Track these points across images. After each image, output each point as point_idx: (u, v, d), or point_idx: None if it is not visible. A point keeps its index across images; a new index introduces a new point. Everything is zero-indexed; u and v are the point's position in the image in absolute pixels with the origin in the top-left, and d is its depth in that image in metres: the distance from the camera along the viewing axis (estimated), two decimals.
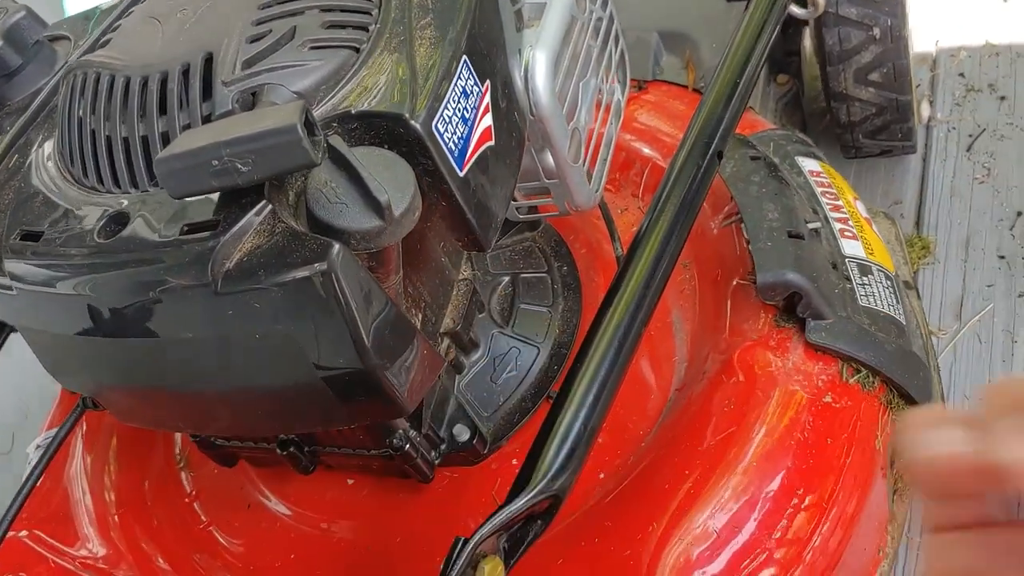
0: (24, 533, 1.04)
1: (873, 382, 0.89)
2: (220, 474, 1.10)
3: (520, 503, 0.68)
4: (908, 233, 1.34)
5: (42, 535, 1.04)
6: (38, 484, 1.09)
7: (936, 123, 1.47)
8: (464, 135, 0.76)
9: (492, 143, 0.80)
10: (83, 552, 1.03)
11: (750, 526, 0.82)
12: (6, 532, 0.93)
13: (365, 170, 0.67)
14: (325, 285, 0.66)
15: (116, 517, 1.06)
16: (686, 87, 1.26)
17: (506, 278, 1.07)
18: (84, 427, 1.15)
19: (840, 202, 1.04)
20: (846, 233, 1.00)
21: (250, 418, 0.78)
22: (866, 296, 0.93)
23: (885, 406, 0.90)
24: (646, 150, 1.21)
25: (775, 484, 0.84)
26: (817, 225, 0.96)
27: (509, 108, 0.85)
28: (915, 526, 1.09)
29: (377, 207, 0.67)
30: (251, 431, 0.84)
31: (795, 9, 1.03)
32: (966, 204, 1.37)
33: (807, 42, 1.37)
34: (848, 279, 0.94)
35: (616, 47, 1.08)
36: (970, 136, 1.44)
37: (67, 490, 1.09)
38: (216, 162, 0.64)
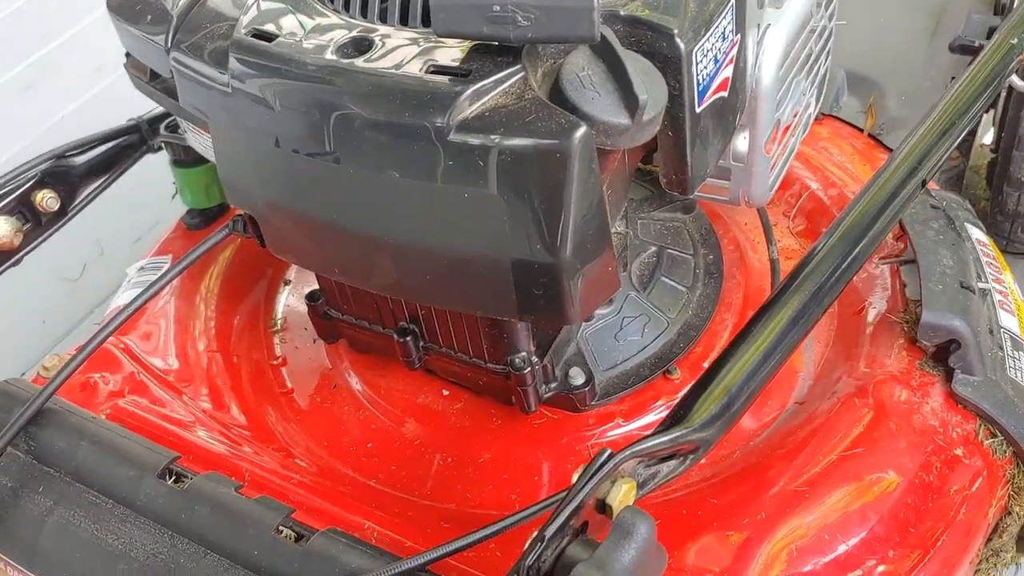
0: (117, 344, 1.03)
1: (1005, 451, 0.87)
2: (312, 349, 1.09)
3: (672, 435, 0.67)
4: None
5: (128, 342, 1.03)
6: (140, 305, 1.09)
7: None
8: (711, 73, 0.76)
9: (726, 95, 0.80)
10: (159, 364, 1.02)
11: (858, 544, 0.80)
12: (104, 339, 0.92)
13: (631, 66, 0.67)
14: (561, 161, 0.65)
15: (201, 347, 1.05)
16: (861, 130, 1.25)
17: (653, 247, 1.06)
18: None
19: (1002, 276, 1.02)
20: (1004, 306, 0.98)
21: (416, 278, 0.77)
22: (1015, 369, 0.92)
23: (1007, 480, 0.88)
24: (807, 178, 1.21)
25: (890, 516, 0.82)
26: (986, 287, 0.95)
27: (743, 72, 0.84)
28: None
29: (632, 105, 0.66)
30: (408, 293, 0.83)
31: (1017, 80, 1.03)
32: None
33: (979, 131, 1.37)
34: (1001, 348, 0.93)
35: (825, 63, 1.07)
36: None
37: (165, 316, 1.08)
38: (498, 8, 0.64)
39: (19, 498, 0.80)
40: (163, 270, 1.09)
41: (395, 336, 0.94)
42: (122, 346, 1.02)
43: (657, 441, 0.65)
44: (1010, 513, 0.91)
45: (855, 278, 1.06)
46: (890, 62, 1.29)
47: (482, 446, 0.96)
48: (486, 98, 0.67)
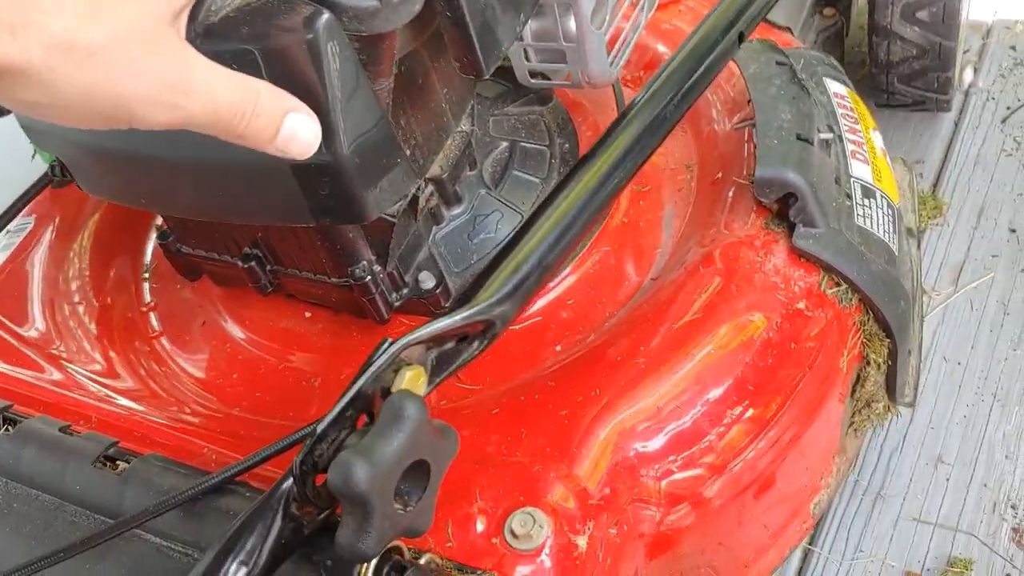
0: None
1: (851, 299, 0.86)
2: (181, 290, 1.08)
3: (455, 318, 0.65)
4: (923, 192, 1.31)
5: None
6: (0, 266, 1.08)
7: (976, 91, 1.43)
8: None
9: None
10: (31, 334, 1.02)
11: (697, 413, 0.80)
12: None
13: None
14: (309, 53, 0.63)
15: (67, 307, 1.04)
16: None
17: (504, 143, 1.04)
18: (57, 219, 1.13)
19: (859, 127, 1.00)
20: (857, 155, 0.96)
21: (209, 197, 0.76)
22: (863, 217, 0.90)
23: (858, 327, 0.88)
24: (667, 54, 1.18)
25: (730, 378, 0.81)
26: (829, 137, 0.93)
27: None
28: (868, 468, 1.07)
29: None
30: (208, 213, 0.82)
31: None
32: (988, 174, 1.33)
33: None
34: (849, 196, 0.91)
35: None
36: (1008, 108, 1.39)
37: (27, 274, 1.07)
38: None
39: None
40: (27, 230, 1.09)
41: (239, 263, 0.93)
42: None
43: (439, 325, 0.64)
44: (868, 362, 0.90)
45: (718, 143, 1.05)
46: None
47: (343, 362, 0.96)
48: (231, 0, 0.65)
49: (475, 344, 0.67)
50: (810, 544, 1.04)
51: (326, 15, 0.63)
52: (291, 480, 0.59)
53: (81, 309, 1.04)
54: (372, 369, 0.61)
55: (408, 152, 0.88)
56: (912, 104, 1.30)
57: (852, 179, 0.93)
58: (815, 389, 0.85)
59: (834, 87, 1.04)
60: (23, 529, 0.73)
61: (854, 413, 0.94)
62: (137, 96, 0.49)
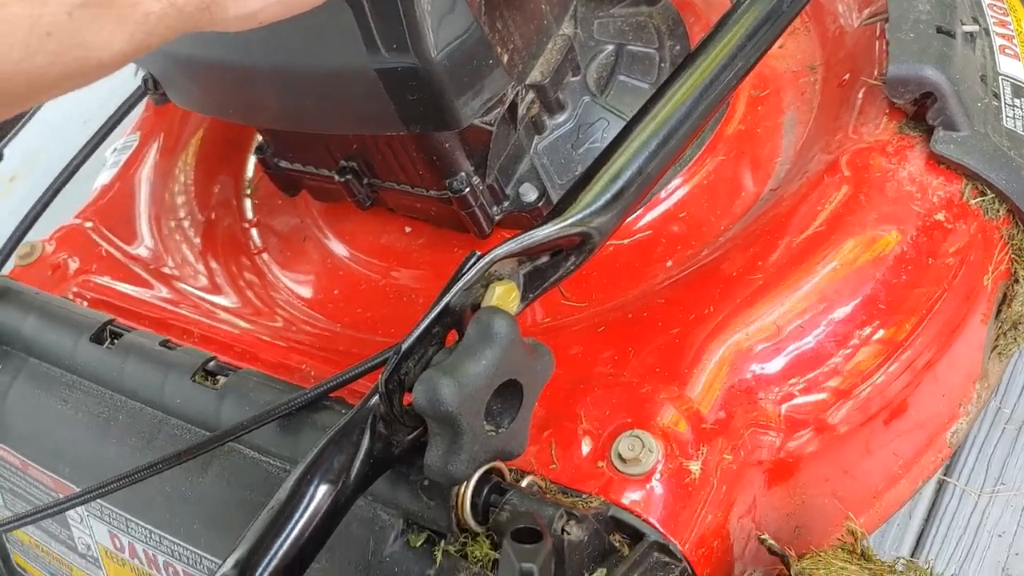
0: (89, 224, 1.04)
1: (998, 210, 0.77)
2: (283, 205, 1.07)
3: (548, 230, 0.60)
4: None
5: (103, 228, 1.03)
6: (109, 183, 1.09)
7: None
8: None
9: None
10: (139, 251, 1.02)
11: (820, 333, 0.73)
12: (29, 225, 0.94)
13: None
14: None
15: (173, 222, 1.04)
16: None
17: (610, 46, 0.97)
18: (162, 136, 1.13)
19: (1009, 18, 0.89)
20: (1007, 50, 0.86)
21: (295, 105, 0.73)
22: (1013, 119, 0.81)
23: (1006, 241, 0.79)
24: None
25: (858, 297, 0.74)
26: (974, 29, 0.83)
27: None
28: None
29: None
30: (296, 122, 0.79)
31: None
32: None
33: None
34: (997, 96, 0.81)
35: None
36: None
37: (134, 191, 1.08)
38: None
39: None
40: (132, 148, 1.09)
41: (336, 176, 0.91)
42: (90, 225, 1.02)
43: (531, 238, 0.60)
44: (1017, 279, 0.81)
45: (846, 42, 0.95)
46: None
47: (444, 278, 0.92)
48: None
49: (571, 259, 0.63)
50: (945, 475, 0.97)
51: None
52: (378, 398, 0.57)
53: (186, 224, 1.04)
54: (460, 284, 0.58)
55: (506, 57, 0.83)
56: None
57: (1001, 77, 0.83)
58: (954, 309, 0.77)
59: None
60: (128, 441, 0.74)
61: (999, 335, 0.85)
62: None
